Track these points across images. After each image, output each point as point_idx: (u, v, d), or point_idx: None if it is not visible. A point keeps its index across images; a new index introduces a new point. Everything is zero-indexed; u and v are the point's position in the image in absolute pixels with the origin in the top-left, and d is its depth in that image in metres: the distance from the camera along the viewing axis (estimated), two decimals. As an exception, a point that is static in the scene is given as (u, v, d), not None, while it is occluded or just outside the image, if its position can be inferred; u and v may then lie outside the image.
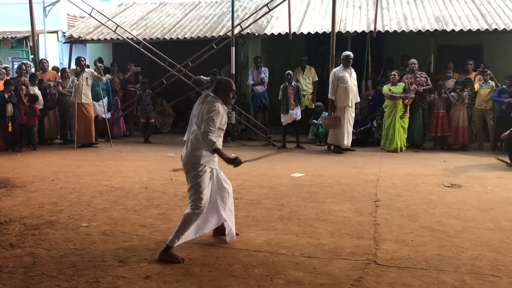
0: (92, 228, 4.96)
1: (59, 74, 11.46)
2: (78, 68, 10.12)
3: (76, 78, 10.00)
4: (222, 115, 4.18)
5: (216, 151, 4.02)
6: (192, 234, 4.30)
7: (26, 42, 15.72)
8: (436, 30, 10.90)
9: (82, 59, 10.28)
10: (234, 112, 10.70)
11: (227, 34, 11.22)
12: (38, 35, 13.88)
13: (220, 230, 4.63)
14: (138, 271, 3.88)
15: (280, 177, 7.42)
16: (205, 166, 4.16)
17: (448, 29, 10.83)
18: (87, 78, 10.17)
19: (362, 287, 3.62)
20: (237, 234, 4.67)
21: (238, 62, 11.75)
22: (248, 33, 11.59)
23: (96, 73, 10.28)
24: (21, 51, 16.40)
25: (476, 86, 10.05)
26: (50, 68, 11.86)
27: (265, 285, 3.64)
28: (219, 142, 4.14)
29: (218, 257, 4.17)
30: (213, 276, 3.80)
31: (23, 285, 3.62)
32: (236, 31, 11.02)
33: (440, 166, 8.31)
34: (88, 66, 10.81)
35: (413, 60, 10.33)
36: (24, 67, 10.68)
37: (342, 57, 9.67)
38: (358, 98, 9.87)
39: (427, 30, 10.95)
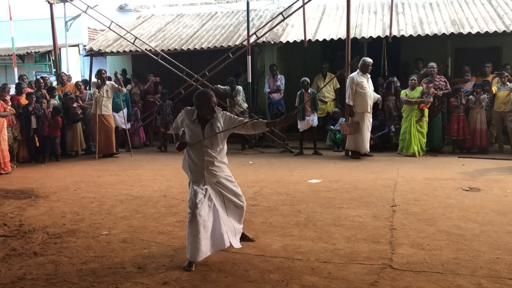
0: (112, 236, 5.08)
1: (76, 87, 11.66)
2: (99, 80, 10.36)
3: (97, 90, 10.24)
4: (181, 120, 4.41)
5: (174, 136, 4.61)
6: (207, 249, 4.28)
7: (49, 56, 16.18)
8: (452, 33, 10.82)
9: (103, 71, 10.54)
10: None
11: (243, 43, 11.33)
12: (60, 49, 14.27)
13: (242, 236, 4.72)
14: (156, 277, 3.97)
15: (297, 183, 7.47)
16: (190, 181, 4.41)
17: (465, 32, 10.74)
18: (107, 90, 10.40)
19: (377, 291, 3.64)
20: (253, 240, 4.74)
21: (254, 70, 11.86)
22: (264, 41, 11.70)
23: (116, 85, 10.51)
24: (44, 65, 16.87)
25: (494, 88, 9.94)
26: (73, 82, 12.11)
27: (280, 290, 3.70)
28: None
29: (234, 263, 4.24)
30: (229, 281, 3.87)
31: (46, 291, 3.76)
32: (252, 40, 11.13)
33: (459, 170, 8.24)
34: (110, 79, 11.05)
35: (432, 64, 10.26)
36: (42, 80, 10.94)
37: (360, 63, 9.68)
38: (378, 94, 9.89)
39: (444, 34, 10.88)
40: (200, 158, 4.29)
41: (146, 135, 12.43)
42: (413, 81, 9.90)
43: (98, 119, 10.31)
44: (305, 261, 4.24)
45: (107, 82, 10.48)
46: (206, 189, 4.32)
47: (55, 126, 10.11)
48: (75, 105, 10.74)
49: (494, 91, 9.92)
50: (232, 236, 4.51)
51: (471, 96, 9.94)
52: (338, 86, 11.80)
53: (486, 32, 10.67)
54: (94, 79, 10.88)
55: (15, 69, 13.45)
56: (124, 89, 10.84)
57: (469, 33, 10.73)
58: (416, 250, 4.44)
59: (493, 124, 10.19)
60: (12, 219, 5.82)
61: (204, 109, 4.24)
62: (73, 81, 12.47)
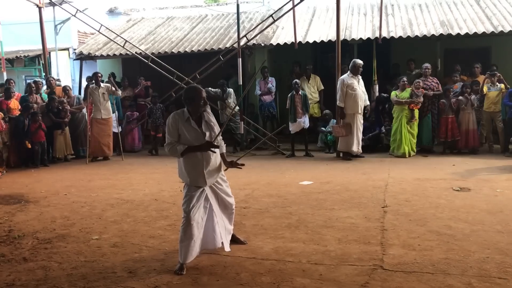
0: (103, 240, 5.05)
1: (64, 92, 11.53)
2: (93, 84, 10.36)
3: (82, 99, 10.29)
4: (174, 126, 4.18)
5: (184, 153, 4.19)
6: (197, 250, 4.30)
7: (38, 60, 15.99)
8: (441, 34, 10.91)
9: (99, 75, 10.55)
10: (242, 122, 10.78)
11: (234, 45, 11.33)
12: (49, 52, 14.16)
13: (233, 239, 4.72)
14: (147, 281, 3.95)
15: (289, 185, 7.47)
16: (185, 184, 4.33)
17: (454, 33, 10.83)
18: (103, 93, 10.40)
19: (368, 292, 3.65)
20: (244, 243, 4.74)
21: (245, 73, 11.85)
22: (254, 44, 11.70)
23: (112, 88, 10.51)
24: (33, 69, 16.71)
25: (485, 88, 10.01)
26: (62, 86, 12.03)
27: (271, 293, 3.69)
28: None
29: (225, 266, 4.23)
30: (221, 285, 3.86)
31: (35, 297, 3.72)
32: (242, 42, 11.13)
33: (449, 170, 8.29)
34: (108, 81, 11.04)
35: (427, 65, 10.36)
36: (33, 85, 10.84)
37: (351, 64, 9.72)
38: (368, 101, 9.88)
39: (433, 35, 10.97)
40: (200, 157, 4.20)
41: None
42: (402, 82, 9.95)
43: (95, 123, 10.33)
44: (296, 263, 4.24)
45: (102, 85, 10.47)
46: (203, 189, 4.29)
47: (43, 131, 10.01)
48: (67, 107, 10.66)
49: (484, 91, 9.98)
50: (224, 236, 4.50)
51: (461, 97, 10.00)
52: (322, 87, 11.83)
53: (475, 33, 10.76)
54: (84, 83, 10.85)
55: (4, 73, 13.30)
56: (119, 92, 10.83)
57: (458, 34, 10.83)
58: (407, 251, 4.46)
59: (483, 124, 10.26)
60: (1, 224, 5.76)
61: (195, 103, 4.17)
62: (63, 84, 12.35)
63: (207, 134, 4.23)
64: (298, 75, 11.78)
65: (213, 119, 4.32)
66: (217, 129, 4.34)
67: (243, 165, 4.50)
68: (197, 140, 4.19)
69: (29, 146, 9.74)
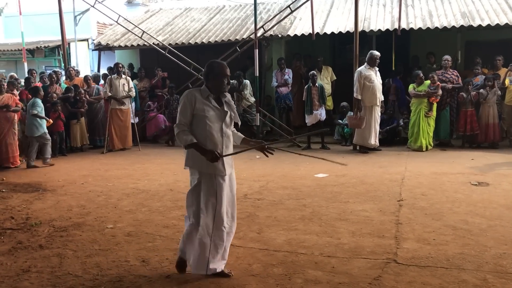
0: (117, 229, 5.10)
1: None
2: (115, 74, 10.56)
3: (108, 89, 10.38)
4: (191, 105, 3.64)
5: (189, 147, 3.68)
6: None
7: (58, 51, 16.22)
8: (462, 26, 10.68)
9: (120, 65, 10.65)
10: (258, 114, 10.76)
11: (251, 36, 11.28)
12: (69, 43, 14.33)
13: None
14: (159, 270, 3.98)
15: (304, 177, 7.44)
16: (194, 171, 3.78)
17: (475, 25, 10.60)
18: (123, 84, 10.51)
19: (381, 286, 3.61)
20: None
21: (262, 64, 11.80)
22: (271, 35, 11.63)
23: (130, 83, 10.66)
24: (53, 60, 16.95)
25: (506, 81, 9.78)
26: (82, 76, 12.16)
27: (283, 284, 3.68)
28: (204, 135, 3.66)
29: (238, 257, 4.23)
30: (233, 275, 3.86)
31: (50, 284, 3.78)
32: (259, 33, 11.06)
33: (468, 164, 8.15)
34: (130, 73, 11.17)
35: (447, 57, 10.17)
36: (54, 75, 10.97)
37: (368, 56, 9.60)
38: (383, 96, 9.78)
39: (453, 26, 10.75)
40: (219, 139, 3.70)
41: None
42: (419, 77, 9.76)
43: (114, 113, 10.45)
44: (309, 255, 4.22)
45: (123, 76, 10.60)
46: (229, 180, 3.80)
47: (62, 121, 10.12)
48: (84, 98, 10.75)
49: (506, 84, 9.76)
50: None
51: (482, 90, 9.79)
52: (335, 78, 11.72)
53: (497, 24, 10.50)
54: (101, 73, 10.94)
55: (25, 64, 13.52)
56: (133, 93, 10.94)
57: (480, 25, 10.58)
58: (421, 245, 4.40)
59: (504, 118, 10.05)
60: (19, 212, 5.87)
61: (219, 79, 3.68)
62: (81, 75, 12.50)
63: (229, 113, 3.75)
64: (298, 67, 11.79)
65: (232, 100, 3.86)
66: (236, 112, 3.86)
67: (271, 153, 4.01)
68: (218, 119, 3.69)
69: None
